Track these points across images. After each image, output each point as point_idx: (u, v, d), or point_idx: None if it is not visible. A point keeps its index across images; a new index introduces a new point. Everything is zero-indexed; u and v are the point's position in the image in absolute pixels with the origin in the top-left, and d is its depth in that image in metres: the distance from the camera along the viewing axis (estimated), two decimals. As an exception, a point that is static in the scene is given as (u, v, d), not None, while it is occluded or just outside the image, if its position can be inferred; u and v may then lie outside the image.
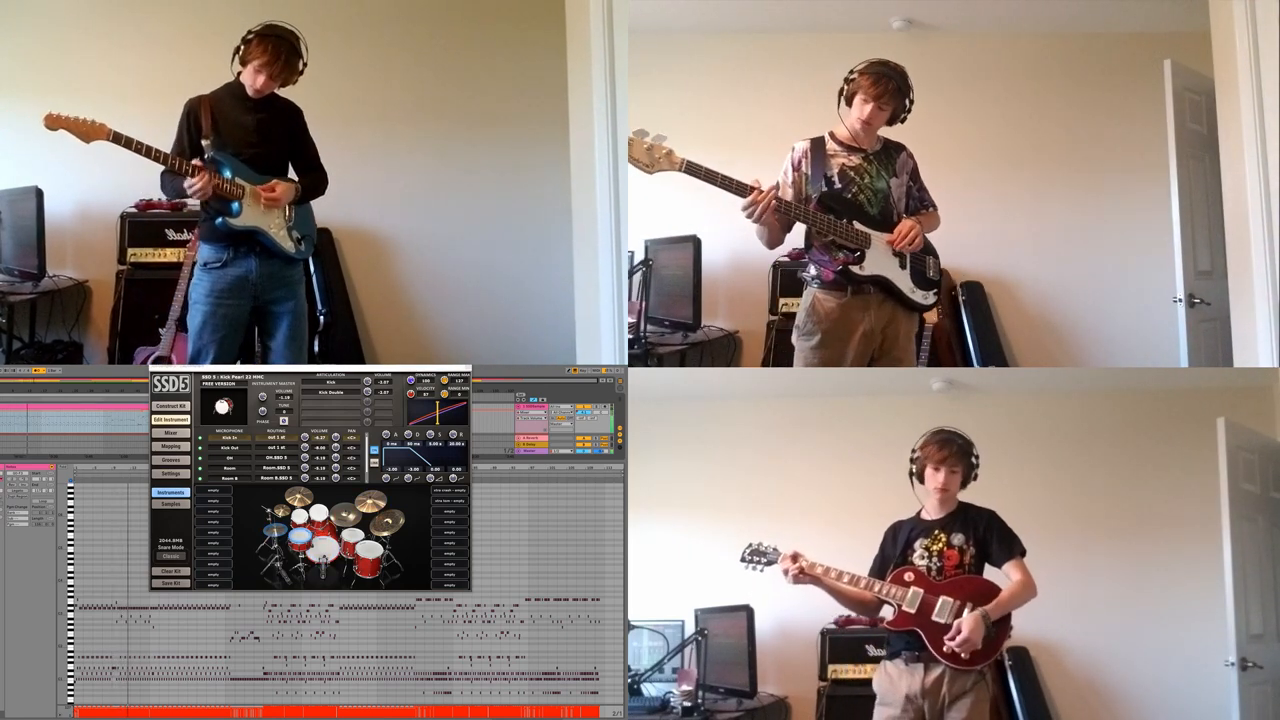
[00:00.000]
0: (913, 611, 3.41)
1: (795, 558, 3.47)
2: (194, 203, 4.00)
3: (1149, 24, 5.05)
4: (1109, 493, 5.04)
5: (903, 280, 3.77)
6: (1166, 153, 4.50)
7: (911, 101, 3.76)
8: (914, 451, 3.60)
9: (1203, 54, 4.08)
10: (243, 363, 4.03)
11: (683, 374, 5.11)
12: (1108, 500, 5.04)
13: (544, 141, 4.77)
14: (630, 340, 4.75)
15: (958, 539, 3.50)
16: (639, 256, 5.10)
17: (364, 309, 5.26)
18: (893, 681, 3.46)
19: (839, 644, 4.78)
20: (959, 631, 3.36)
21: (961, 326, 5.19)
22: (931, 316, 4.89)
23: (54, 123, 3.67)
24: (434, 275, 5.27)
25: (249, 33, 3.87)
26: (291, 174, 4.06)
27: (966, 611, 3.38)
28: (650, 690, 4.77)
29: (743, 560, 3.58)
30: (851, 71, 3.74)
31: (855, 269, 3.71)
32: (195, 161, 3.80)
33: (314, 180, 4.10)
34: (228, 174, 3.86)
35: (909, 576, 3.46)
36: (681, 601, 4.92)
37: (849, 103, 3.74)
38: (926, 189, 3.90)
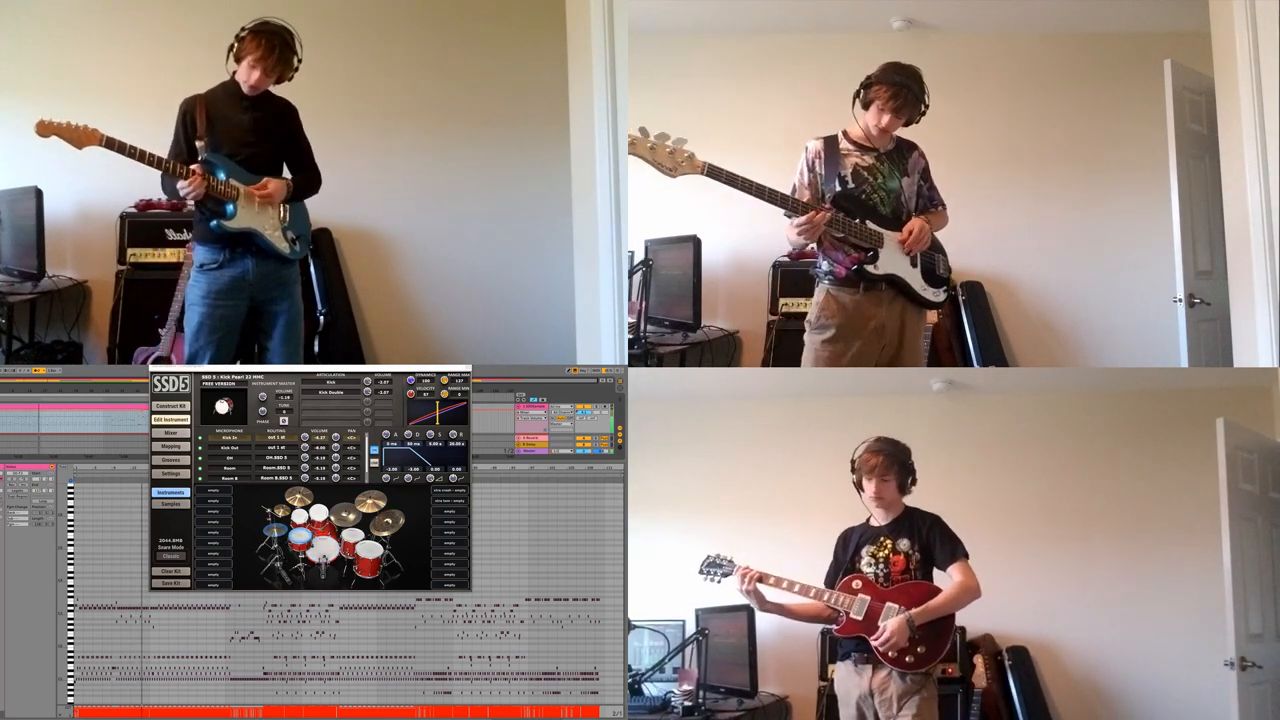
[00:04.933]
0: (860, 618, 3.47)
1: (747, 570, 3.53)
2: (191, 203, 4.01)
3: (1149, 24, 5.05)
4: (1109, 493, 5.04)
5: (914, 278, 3.79)
6: (1166, 153, 4.50)
7: (927, 105, 3.76)
8: (853, 461, 3.65)
9: (1203, 54, 4.08)
10: (242, 363, 4.02)
11: (683, 374, 5.10)
12: (1107, 500, 5.04)
13: (545, 141, 4.77)
14: (630, 340, 4.74)
15: (903, 544, 3.54)
16: (639, 256, 5.10)
17: (364, 309, 5.26)
18: (843, 683, 3.54)
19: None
20: (884, 632, 3.42)
21: (961, 326, 5.19)
22: (931, 316, 4.91)
23: (45, 129, 3.67)
24: (434, 275, 5.27)
25: (243, 29, 3.88)
26: (285, 173, 4.06)
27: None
28: (651, 690, 4.78)
29: (700, 572, 3.66)
30: (869, 78, 3.72)
31: (870, 268, 3.73)
32: (194, 166, 3.81)
33: (306, 180, 4.10)
34: (222, 175, 3.87)
35: (857, 584, 3.52)
36: (682, 601, 4.91)
37: (865, 107, 3.75)
38: (936, 188, 3.91)
